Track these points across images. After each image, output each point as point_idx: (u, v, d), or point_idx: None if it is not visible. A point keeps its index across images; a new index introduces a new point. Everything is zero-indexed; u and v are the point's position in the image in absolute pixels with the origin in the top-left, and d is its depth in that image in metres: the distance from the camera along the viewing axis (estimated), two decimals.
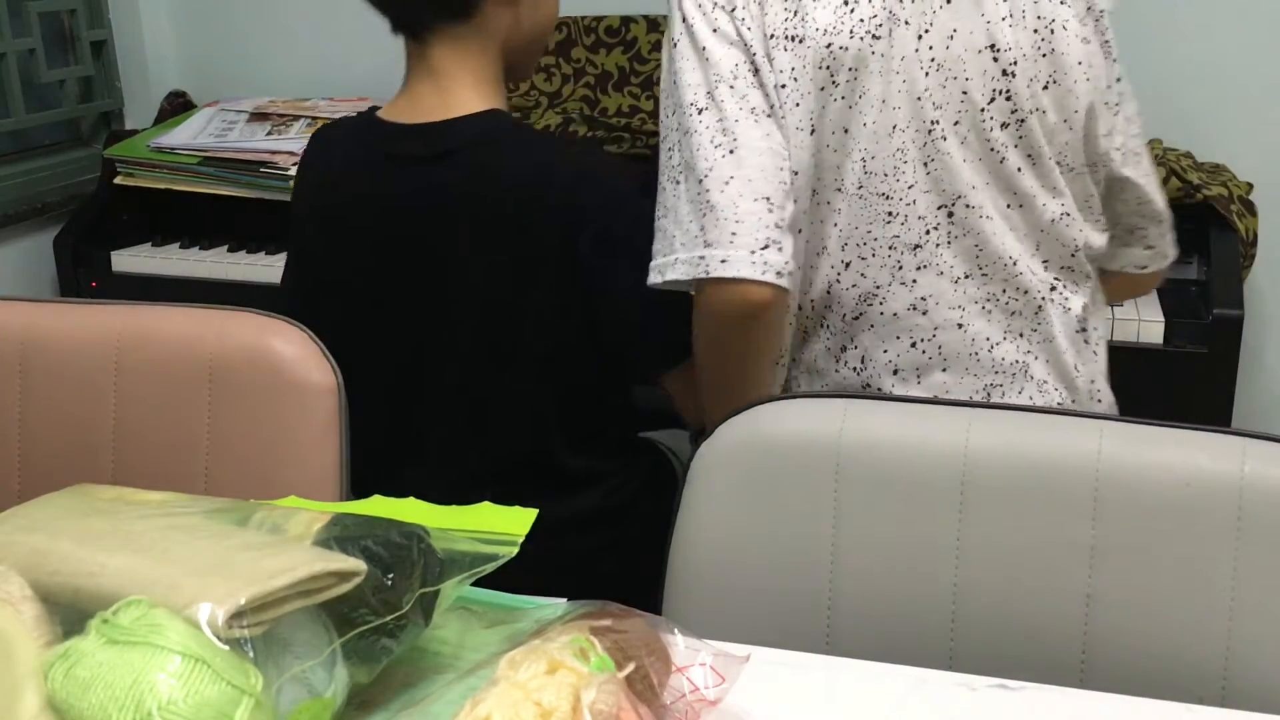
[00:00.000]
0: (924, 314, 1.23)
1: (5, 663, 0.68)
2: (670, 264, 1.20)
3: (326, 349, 1.18)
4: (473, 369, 1.39)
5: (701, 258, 1.16)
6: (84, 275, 2.21)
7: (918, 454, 0.96)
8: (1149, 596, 0.92)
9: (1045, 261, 1.25)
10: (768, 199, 1.17)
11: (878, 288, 1.23)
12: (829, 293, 1.25)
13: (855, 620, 0.97)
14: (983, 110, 1.19)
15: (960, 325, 1.23)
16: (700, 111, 1.18)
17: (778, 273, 1.16)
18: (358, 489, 1.37)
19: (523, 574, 0.84)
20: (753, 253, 1.15)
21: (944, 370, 1.25)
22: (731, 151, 1.17)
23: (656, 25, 2.07)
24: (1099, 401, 1.29)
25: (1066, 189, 1.23)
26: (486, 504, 0.88)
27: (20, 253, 2.30)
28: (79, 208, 2.30)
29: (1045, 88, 1.19)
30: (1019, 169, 1.21)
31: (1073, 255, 1.25)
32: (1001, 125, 1.19)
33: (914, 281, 1.23)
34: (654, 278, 1.22)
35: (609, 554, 1.48)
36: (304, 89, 2.41)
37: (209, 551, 0.74)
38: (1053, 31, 1.19)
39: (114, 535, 0.77)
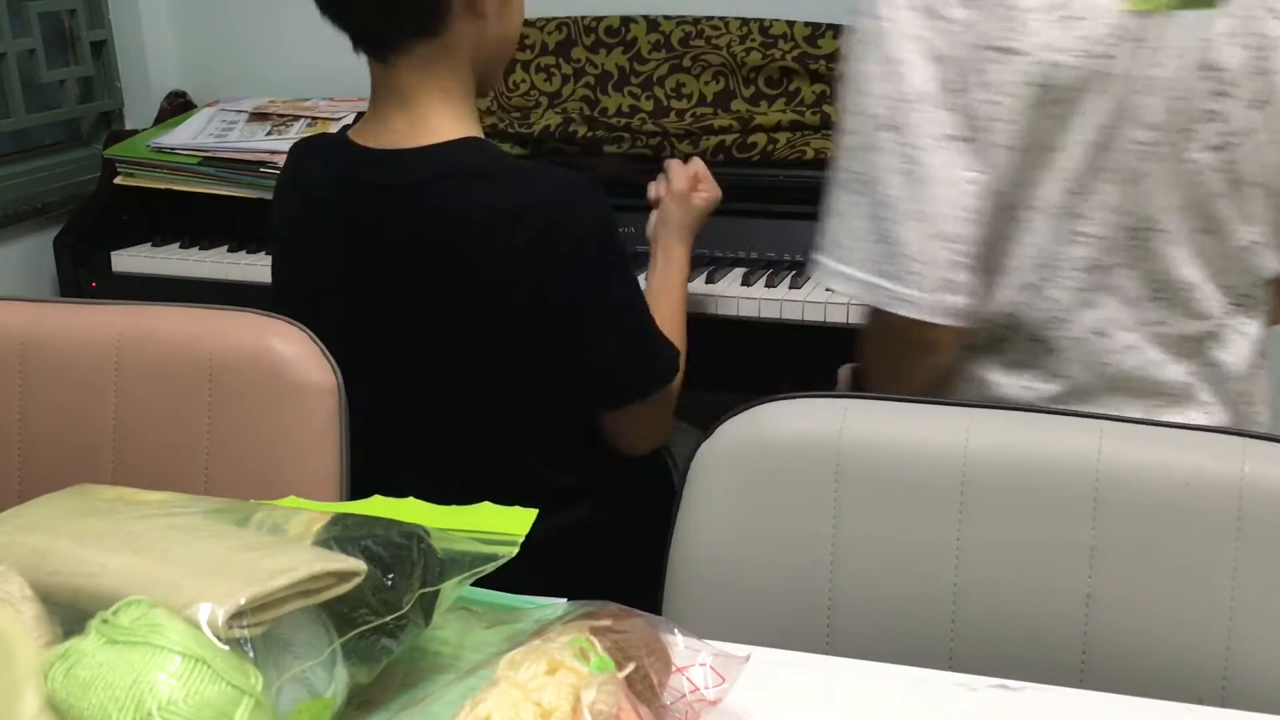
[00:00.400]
0: (1104, 337, 1.19)
1: (5, 663, 0.68)
2: (841, 276, 1.17)
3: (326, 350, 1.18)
4: (445, 398, 1.37)
5: (878, 286, 1.14)
6: (84, 275, 2.21)
7: (918, 454, 0.96)
8: (1149, 596, 0.92)
9: (1227, 288, 1.20)
10: (949, 236, 1.12)
11: (1063, 310, 1.19)
12: (1013, 314, 1.21)
13: (855, 620, 0.97)
14: (1192, 132, 1.13)
15: (1134, 348, 1.20)
16: (886, 130, 1.12)
17: (952, 314, 1.14)
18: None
19: (523, 574, 0.84)
20: (931, 294, 1.13)
21: (1112, 392, 1.21)
22: (916, 181, 1.12)
23: (656, 25, 2.07)
24: (1258, 424, 1.26)
25: (1262, 215, 1.18)
26: (486, 504, 0.88)
27: (20, 253, 2.30)
28: (79, 208, 2.30)
29: (1259, 108, 1.14)
30: (1218, 194, 1.16)
31: (1254, 284, 1.21)
32: (1211, 148, 1.14)
33: (1097, 305, 1.19)
34: (820, 276, 1.20)
35: (608, 555, 1.48)
36: (304, 89, 2.41)
37: (209, 551, 0.74)
38: (1264, 50, 1.12)
39: (114, 535, 0.77)
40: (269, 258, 2.06)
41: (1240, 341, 1.22)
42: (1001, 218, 1.17)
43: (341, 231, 1.38)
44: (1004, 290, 1.20)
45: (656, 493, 1.51)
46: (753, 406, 1.01)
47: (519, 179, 1.33)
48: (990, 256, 1.18)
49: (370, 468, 1.35)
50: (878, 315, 1.18)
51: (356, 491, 1.40)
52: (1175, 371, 1.21)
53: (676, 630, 0.74)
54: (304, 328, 1.18)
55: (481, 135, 1.38)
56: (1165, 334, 1.20)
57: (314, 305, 1.40)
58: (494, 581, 0.80)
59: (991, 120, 1.12)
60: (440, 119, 1.33)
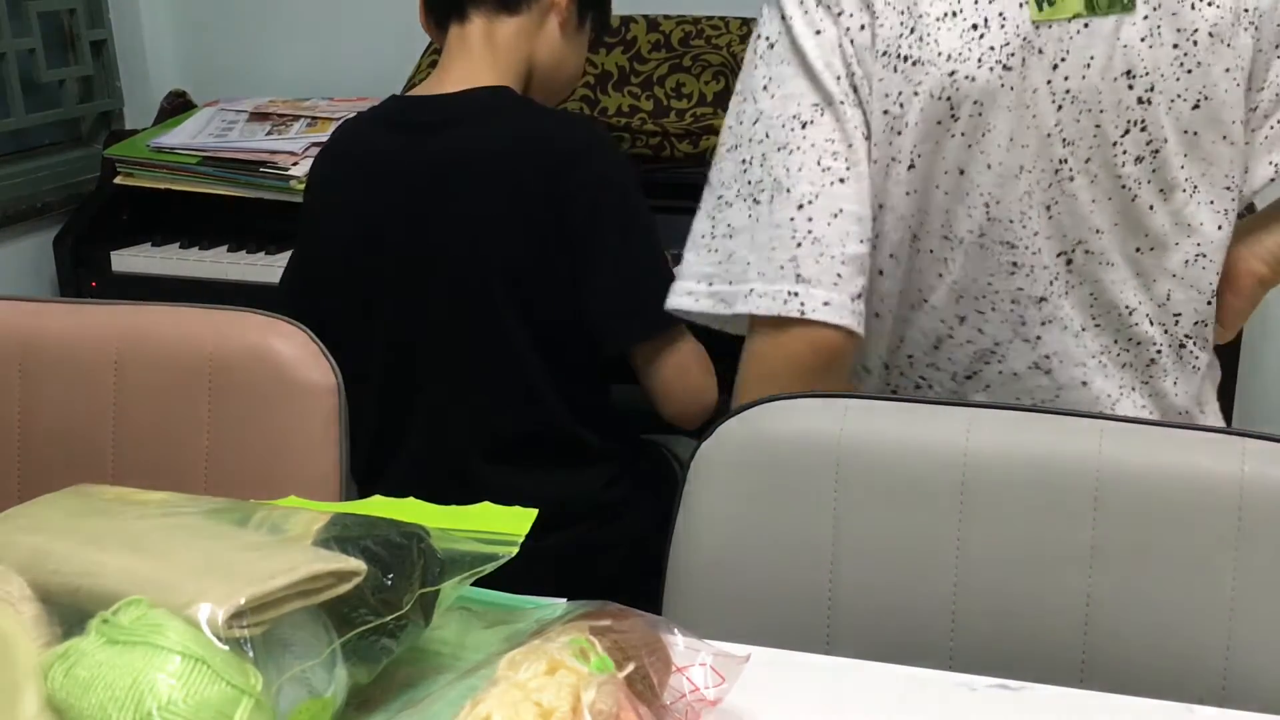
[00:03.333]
0: (1047, 373, 1.12)
1: (5, 663, 0.68)
2: (741, 295, 1.06)
3: (325, 340, 1.18)
4: (469, 336, 1.41)
5: (794, 294, 1.04)
6: (84, 275, 2.21)
7: (918, 454, 0.96)
8: (1149, 596, 0.92)
9: (1177, 315, 1.13)
10: (866, 240, 1.05)
11: (997, 345, 1.12)
12: (937, 349, 1.14)
13: (855, 620, 0.97)
14: (1115, 144, 1.06)
15: (1084, 383, 1.12)
16: (804, 126, 1.05)
17: (860, 321, 1.06)
18: (361, 454, 1.40)
19: (523, 572, 0.84)
20: (854, 299, 1.05)
21: None
22: (842, 180, 1.04)
23: (656, 25, 2.07)
24: None
25: (1210, 225, 1.10)
26: (486, 504, 0.88)
27: (20, 253, 2.30)
28: (79, 208, 2.30)
29: (1195, 107, 1.07)
30: (1151, 207, 1.08)
31: (1209, 303, 1.13)
32: (1135, 160, 1.07)
33: (1038, 339, 1.11)
34: (703, 305, 1.09)
35: (609, 552, 1.49)
36: (304, 89, 2.41)
37: (209, 551, 0.74)
38: (1195, 42, 1.05)
39: (114, 535, 0.77)
40: (269, 257, 2.07)
41: (1193, 376, 1.16)
42: (911, 247, 1.10)
43: (373, 171, 1.44)
44: (923, 326, 1.13)
45: (659, 492, 1.51)
46: (753, 406, 1.01)
47: (540, 118, 1.43)
48: (905, 290, 1.11)
49: (386, 420, 1.39)
50: (769, 349, 1.08)
51: (375, 439, 1.46)
52: (1127, 407, 1.14)
53: (676, 630, 0.74)
54: (304, 328, 1.18)
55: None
56: (1109, 364, 1.13)
57: (316, 276, 1.46)
58: (494, 579, 0.80)
59: (887, 132, 1.05)
60: (488, 73, 1.44)
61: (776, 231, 1.05)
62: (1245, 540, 0.90)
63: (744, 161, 1.08)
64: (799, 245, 1.04)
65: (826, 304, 1.04)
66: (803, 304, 1.04)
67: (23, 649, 0.68)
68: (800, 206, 1.04)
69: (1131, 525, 0.92)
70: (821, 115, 1.05)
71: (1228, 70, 1.07)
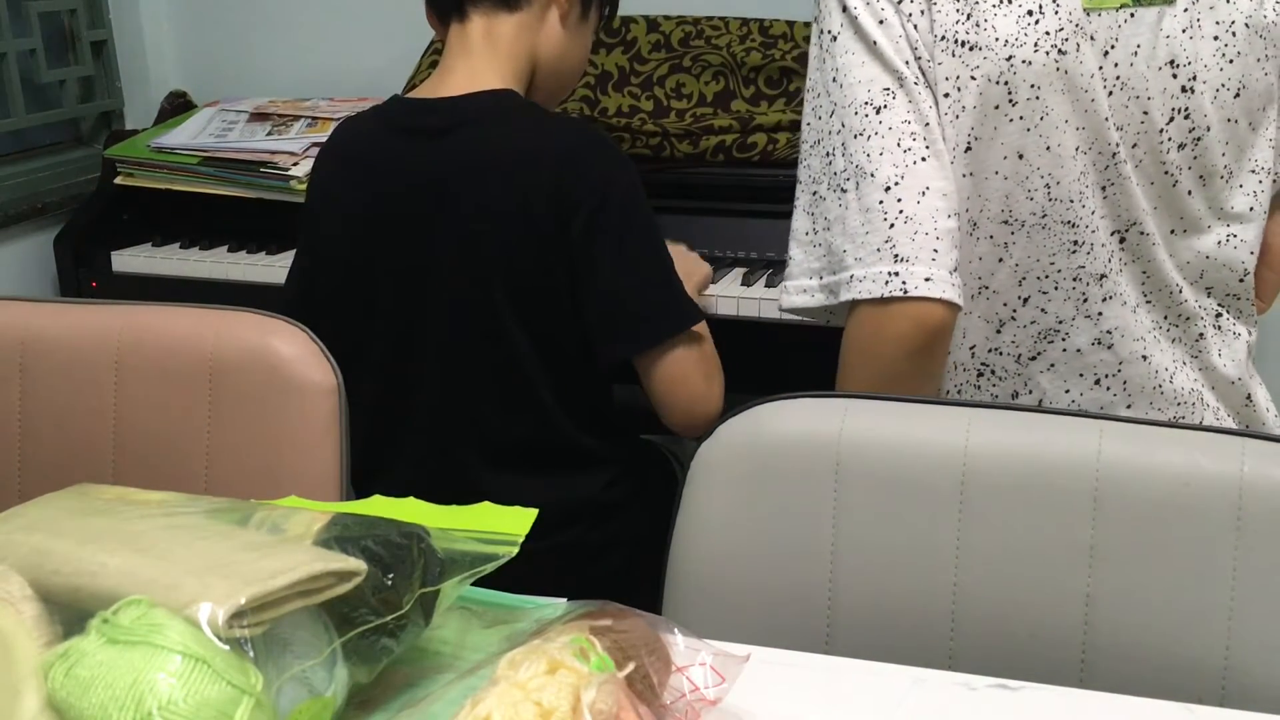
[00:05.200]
0: (1109, 348, 1.15)
1: (5, 663, 0.68)
2: (843, 283, 1.09)
3: (326, 342, 1.18)
4: (469, 341, 1.41)
5: (894, 274, 1.06)
6: (84, 275, 2.21)
7: (918, 454, 0.96)
8: (1149, 596, 0.92)
9: (1209, 289, 1.18)
10: (954, 214, 1.07)
11: (1060, 323, 1.15)
12: (999, 333, 1.17)
13: (855, 620, 0.97)
14: (1161, 131, 1.11)
15: (1145, 357, 1.16)
16: (879, 110, 1.08)
17: (960, 294, 1.09)
18: (360, 457, 1.39)
19: (523, 572, 0.84)
20: (951, 272, 1.07)
21: (1129, 408, 1.17)
22: (923, 159, 1.07)
23: (656, 25, 2.07)
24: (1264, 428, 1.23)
25: (1241, 207, 1.15)
26: (486, 504, 0.88)
27: (20, 253, 2.30)
28: (79, 208, 2.30)
29: (1236, 96, 1.11)
30: (1189, 192, 1.13)
31: (1241, 280, 1.18)
32: (1179, 146, 1.12)
33: (1100, 315, 1.15)
34: (818, 299, 1.13)
35: (608, 552, 1.49)
36: (304, 89, 2.41)
37: (209, 551, 0.74)
38: (1234, 34, 1.11)
39: (114, 535, 0.77)
40: (269, 258, 2.07)
41: (1235, 343, 1.20)
42: (969, 235, 1.12)
43: (375, 175, 1.44)
44: (984, 312, 1.16)
45: (659, 492, 1.52)
46: (753, 406, 1.01)
47: (543, 124, 1.41)
48: (965, 281, 1.12)
49: (383, 424, 1.39)
50: (875, 332, 1.09)
51: (371, 444, 1.45)
52: (1183, 380, 1.18)
53: (676, 630, 0.75)
54: (304, 328, 1.18)
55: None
56: (1161, 338, 1.17)
57: (316, 279, 1.45)
58: (494, 580, 0.80)
59: (946, 116, 1.09)
60: (491, 74, 1.43)
61: (867, 216, 1.08)
62: (1245, 540, 0.90)
63: (828, 155, 1.11)
64: (891, 226, 1.07)
65: (928, 279, 1.06)
66: (904, 282, 1.06)
67: (23, 649, 0.68)
68: (887, 189, 1.07)
69: (1131, 525, 0.92)
70: (893, 99, 1.08)
71: (1259, 60, 1.11)
